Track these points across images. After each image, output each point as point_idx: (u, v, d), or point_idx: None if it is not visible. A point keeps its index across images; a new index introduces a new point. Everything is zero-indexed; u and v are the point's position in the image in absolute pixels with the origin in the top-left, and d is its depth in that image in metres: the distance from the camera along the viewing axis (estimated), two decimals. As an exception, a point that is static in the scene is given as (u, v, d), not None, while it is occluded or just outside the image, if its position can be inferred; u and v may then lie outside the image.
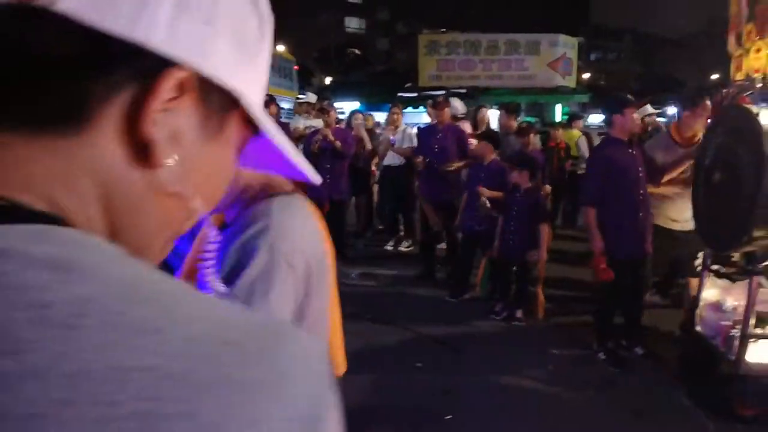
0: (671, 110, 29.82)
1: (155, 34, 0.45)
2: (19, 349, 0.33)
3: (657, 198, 5.12)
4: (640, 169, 4.74)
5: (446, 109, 7.33)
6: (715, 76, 51.17)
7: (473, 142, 7.32)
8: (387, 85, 20.44)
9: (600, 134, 8.83)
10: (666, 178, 4.81)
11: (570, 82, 19.94)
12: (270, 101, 8.15)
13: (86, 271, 0.38)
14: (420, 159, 7.17)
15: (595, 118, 25.12)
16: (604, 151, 4.92)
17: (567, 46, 19.73)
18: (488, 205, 6.02)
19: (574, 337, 5.40)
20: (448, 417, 3.97)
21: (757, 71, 3.94)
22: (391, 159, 8.55)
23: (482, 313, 5.98)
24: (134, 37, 0.43)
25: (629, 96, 4.82)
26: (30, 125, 0.42)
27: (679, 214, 5.02)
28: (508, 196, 5.95)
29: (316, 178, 0.64)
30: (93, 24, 0.42)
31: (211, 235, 0.60)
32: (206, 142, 0.51)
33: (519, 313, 5.80)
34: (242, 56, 0.52)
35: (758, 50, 3.95)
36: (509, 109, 7.95)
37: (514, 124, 7.75)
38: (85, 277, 0.38)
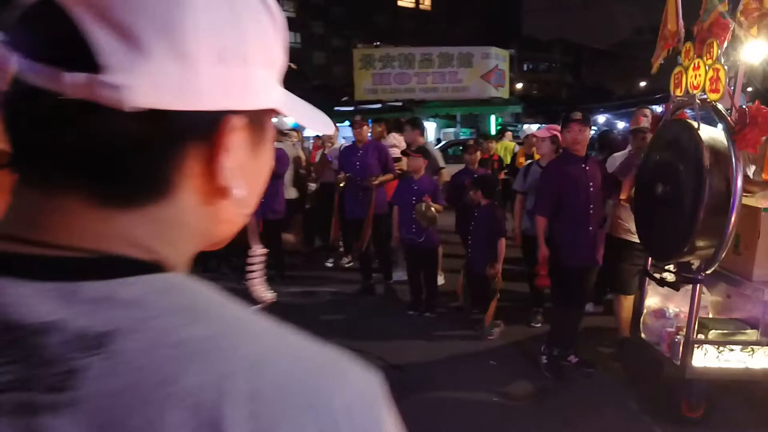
0: (601, 119, 30.83)
1: (209, 96, 0.51)
2: (168, 379, 0.44)
3: (618, 211, 5.36)
4: (591, 183, 4.80)
5: (364, 127, 7.34)
6: (642, 84, 53.20)
7: (397, 155, 7.42)
8: (323, 99, 20.45)
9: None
10: (624, 191, 4.93)
11: (503, 93, 20.33)
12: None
13: (201, 314, 0.49)
14: (341, 175, 7.20)
15: (530, 128, 25.77)
16: (556, 165, 5.06)
17: (499, 58, 20.13)
18: (435, 214, 6.10)
19: (518, 348, 5.49)
20: None
21: (695, 88, 4.12)
22: (329, 176, 8.52)
23: (424, 327, 6.00)
24: (196, 106, 0.50)
25: (576, 113, 4.90)
26: (127, 201, 0.51)
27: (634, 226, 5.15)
28: (468, 212, 6.04)
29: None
30: (167, 107, 0.49)
31: (257, 250, 0.77)
32: (257, 152, 0.59)
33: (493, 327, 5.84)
34: (271, 66, 0.59)
35: (696, 68, 4.12)
36: (414, 124, 7.98)
37: (422, 139, 7.78)
38: (203, 320, 0.48)
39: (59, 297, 0.45)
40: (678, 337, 4.18)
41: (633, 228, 5.01)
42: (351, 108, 18.05)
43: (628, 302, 5.19)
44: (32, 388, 0.42)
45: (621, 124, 22.45)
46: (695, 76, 4.15)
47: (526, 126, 21.78)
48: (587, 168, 4.85)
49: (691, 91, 4.19)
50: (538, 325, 6.04)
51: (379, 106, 18.13)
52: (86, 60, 0.45)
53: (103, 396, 0.42)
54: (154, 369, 0.44)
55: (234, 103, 0.53)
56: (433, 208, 6.11)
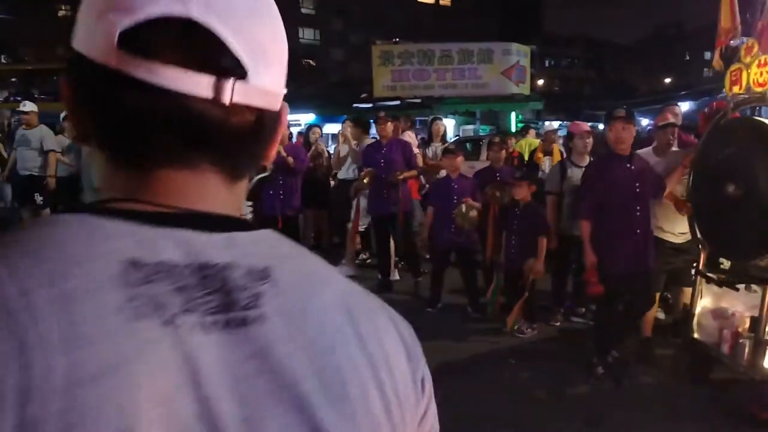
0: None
1: (281, 98, 0.67)
2: (314, 296, 0.65)
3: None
4: (637, 184, 4.61)
5: (388, 124, 7.30)
6: (667, 81, 52.63)
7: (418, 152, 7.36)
8: (342, 96, 20.38)
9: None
10: (667, 190, 4.78)
11: (524, 89, 20.12)
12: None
13: (304, 255, 0.68)
14: (368, 170, 7.14)
15: (551, 126, 25.49)
16: (599, 165, 4.87)
17: (520, 54, 19.92)
18: (477, 214, 6.01)
19: (539, 346, 5.40)
20: None
21: (761, 85, 4.01)
22: (345, 172, 8.48)
23: (444, 325, 5.92)
24: (278, 105, 0.67)
25: (620, 110, 4.74)
26: (241, 178, 0.67)
27: (670, 225, 5.02)
28: (508, 211, 5.87)
29: None
30: (271, 107, 0.66)
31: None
32: None
33: (526, 327, 5.71)
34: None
35: (763, 64, 4.01)
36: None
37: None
38: (308, 258, 0.68)
39: (227, 244, 0.60)
40: (743, 338, 4.08)
41: (665, 225, 4.87)
42: (369, 105, 17.97)
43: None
44: (233, 309, 0.57)
45: (645, 121, 22.17)
46: (761, 73, 4.01)
47: (547, 123, 21.59)
48: (632, 168, 4.63)
49: (755, 89, 4.07)
50: (557, 323, 5.93)
51: (397, 103, 18.02)
52: (234, 69, 0.60)
53: (281, 309, 0.60)
54: (304, 289, 0.63)
55: (279, 104, 0.67)
56: (474, 209, 6.02)
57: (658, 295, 5.14)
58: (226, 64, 0.59)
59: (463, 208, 6.00)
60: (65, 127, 9.26)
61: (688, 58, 66.64)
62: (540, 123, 22.55)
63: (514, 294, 5.74)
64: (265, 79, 0.62)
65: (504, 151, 7.15)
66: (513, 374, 4.89)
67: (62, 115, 9.31)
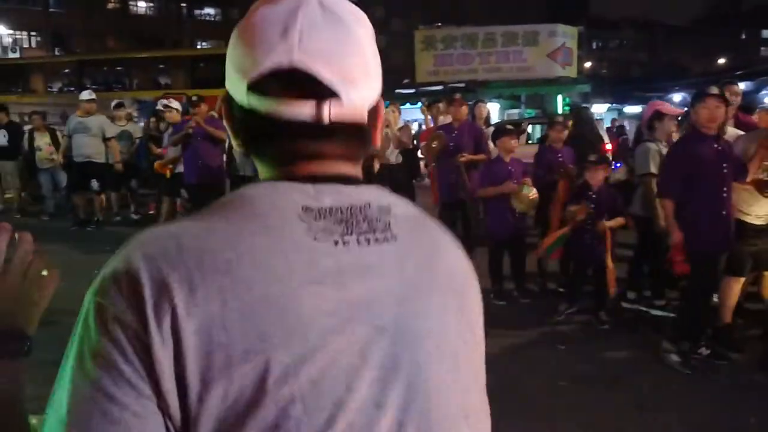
0: (677, 98, 29.70)
1: (367, 107, 0.87)
2: (424, 226, 0.91)
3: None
4: (724, 164, 4.42)
5: (463, 107, 7.16)
6: (721, 61, 50.99)
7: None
8: (384, 82, 20.17)
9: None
10: (751, 173, 4.53)
11: (570, 72, 19.82)
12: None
13: (405, 202, 0.90)
14: (438, 133, 7.03)
15: (599, 108, 24.94)
16: (686, 144, 4.65)
17: (566, 35, 19.60)
18: (536, 196, 5.83)
19: (588, 332, 5.28)
20: None
21: None
22: (388, 157, 8.48)
23: (493, 311, 5.73)
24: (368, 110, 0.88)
25: (714, 86, 4.54)
26: (351, 161, 0.87)
27: (750, 207, 4.85)
28: (579, 195, 5.46)
29: None
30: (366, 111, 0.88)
31: None
32: None
33: (603, 315, 5.40)
34: None
35: None
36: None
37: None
38: (409, 204, 0.90)
39: (361, 192, 0.84)
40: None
41: (744, 207, 4.70)
42: (412, 90, 17.96)
43: (738, 286, 4.81)
44: (375, 231, 0.81)
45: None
46: None
47: (595, 106, 21.19)
48: (720, 148, 4.44)
49: None
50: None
51: (440, 87, 17.92)
52: (329, 94, 0.78)
53: (407, 236, 0.84)
54: (415, 223, 0.89)
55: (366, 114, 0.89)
56: (534, 191, 5.79)
57: (743, 279, 4.94)
58: (322, 92, 0.79)
59: (523, 189, 5.78)
60: (118, 116, 9.50)
61: (744, 36, 64.53)
62: (588, 106, 22.15)
63: (580, 282, 5.60)
64: (355, 98, 0.82)
65: (566, 132, 6.90)
66: (561, 359, 4.79)
67: (113, 103, 9.54)
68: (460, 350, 0.89)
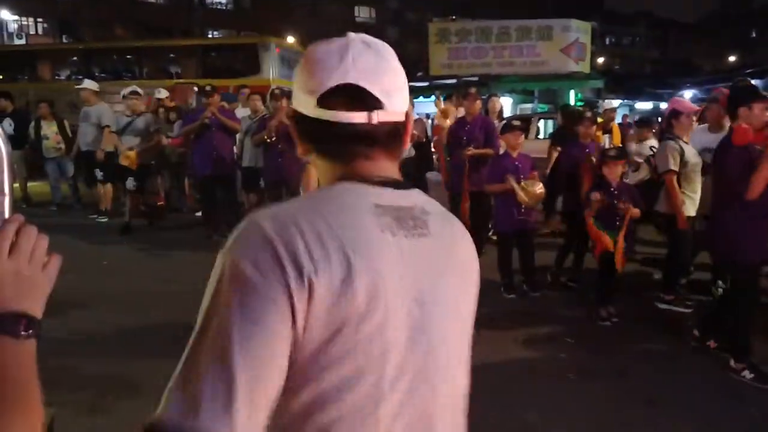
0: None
1: (404, 112, 1.15)
2: (450, 223, 1.19)
3: None
4: None
5: (477, 101, 7.27)
6: (732, 59, 50.66)
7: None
8: (397, 74, 20.09)
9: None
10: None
11: (584, 67, 19.57)
12: (282, 95, 7.91)
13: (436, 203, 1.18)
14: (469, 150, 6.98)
15: (610, 104, 24.72)
16: (732, 147, 4.31)
17: (580, 31, 19.35)
18: (543, 190, 5.87)
19: (597, 327, 5.24)
20: None
21: None
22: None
23: (501, 305, 5.78)
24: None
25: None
26: (392, 159, 1.13)
27: None
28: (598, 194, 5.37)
29: None
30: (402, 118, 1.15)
31: None
32: None
33: (611, 309, 5.40)
34: None
35: None
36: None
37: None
38: (436, 204, 1.17)
39: (406, 195, 1.09)
40: None
41: None
42: (426, 83, 17.75)
43: None
44: (417, 228, 1.05)
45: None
46: None
47: (606, 102, 20.97)
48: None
49: None
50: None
51: (454, 81, 17.73)
52: (377, 104, 1.07)
53: (437, 230, 1.09)
54: (443, 220, 1.14)
55: (404, 117, 1.16)
56: (540, 184, 5.85)
57: None
58: (372, 103, 1.07)
59: (531, 183, 5.80)
60: (128, 105, 9.18)
61: (754, 35, 64.07)
62: (600, 102, 21.91)
63: (608, 278, 5.45)
64: (394, 106, 1.10)
65: (595, 127, 6.85)
66: (569, 352, 4.78)
67: (123, 92, 9.29)
68: (465, 316, 1.17)
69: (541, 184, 5.90)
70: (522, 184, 5.81)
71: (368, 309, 0.94)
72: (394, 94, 1.10)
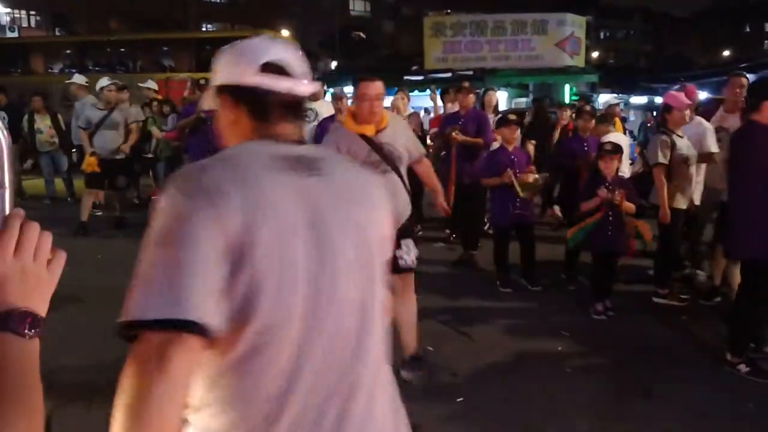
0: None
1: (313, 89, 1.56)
2: (350, 168, 1.47)
3: None
4: None
5: (470, 95, 7.33)
6: (726, 53, 50.72)
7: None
8: (393, 68, 20.12)
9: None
10: None
11: (578, 61, 19.60)
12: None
13: (338, 156, 1.57)
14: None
15: (605, 98, 24.70)
16: (754, 140, 4.27)
17: (575, 25, 19.38)
18: (541, 183, 5.89)
19: (592, 320, 5.25)
20: (460, 399, 3.87)
21: None
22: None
23: (497, 298, 5.82)
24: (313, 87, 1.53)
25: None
26: (299, 123, 1.47)
27: None
28: (595, 185, 5.39)
29: None
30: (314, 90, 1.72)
31: None
32: None
33: (608, 303, 5.40)
34: None
35: None
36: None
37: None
38: (333, 155, 1.51)
39: (306, 149, 1.40)
40: None
41: None
42: (421, 77, 17.74)
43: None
44: (313, 169, 1.30)
45: (703, 95, 21.37)
46: None
47: (608, 96, 20.96)
48: None
49: None
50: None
51: (449, 75, 17.72)
52: (300, 78, 1.41)
53: (331, 172, 1.33)
54: (342, 168, 1.40)
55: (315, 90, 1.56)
56: (538, 177, 5.87)
57: None
58: (296, 76, 1.39)
59: (529, 177, 5.82)
60: (102, 98, 8.89)
61: (748, 29, 64.18)
62: (594, 96, 21.93)
63: (610, 275, 5.48)
64: (307, 84, 1.43)
65: (593, 121, 6.90)
66: (566, 345, 4.79)
67: (98, 84, 9.00)
68: (372, 238, 1.37)
69: (537, 176, 5.92)
70: (519, 177, 5.82)
71: (267, 234, 1.16)
72: (306, 76, 1.43)
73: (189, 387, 1.10)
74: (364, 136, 3.86)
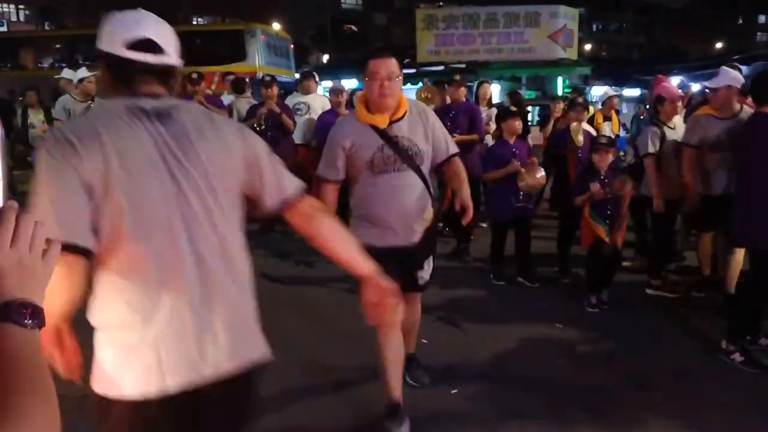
0: (675, 81, 29.43)
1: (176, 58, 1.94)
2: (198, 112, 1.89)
3: None
4: None
5: (461, 89, 7.34)
6: (719, 45, 50.74)
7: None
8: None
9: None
10: None
11: (571, 54, 19.57)
12: (271, 82, 7.89)
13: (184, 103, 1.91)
14: None
15: (598, 91, 24.71)
16: (765, 131, 4.28)
17: (568, 17, 19.35)
18: (544, 178, 5.87)
19: (586, 311, 5.26)
20: (454, 391, 3.86)
21: None
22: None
23: (492, 291, 5.83)
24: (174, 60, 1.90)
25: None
26: (167, 87, 1.84)
27: None
28: (588, 179, 5.30)
29: None
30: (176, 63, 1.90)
31: None
32: None
33: (604, 296, 5.38)
34: None
35: None
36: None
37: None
38: (188, 106, 1.92)
39: (162, 102, 1.74)
40: None
41: None
42: (413, 70, 17.68)
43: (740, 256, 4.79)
44: (164, 116, 1.70)
45: (696, 87, 21.42)
46: None
47: (604, 89, 20.95)
48: None
49: None
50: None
51: (441, 68, 17.70)
52: (161, 50, 1.74)
53: (181, 119, 1.73)
54: (192, 115, 1.78)
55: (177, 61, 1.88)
56: (541, 171, 5.84)
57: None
58: (158, 50, 1.71)
59: (532, 169, 5.76)
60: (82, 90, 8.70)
61: (741, 21, 64.25)
62: (587, 88, 21.93)
63: (598, 265, 5.40)
64: (171, 54, 1.75)
65: (586, 113, 6.90)
66: (559, 337, 4.81)
67: (78, 76, 8.83)
68: (225, 165, 1.76)
69: (542, 170, 5.86)
70: (523, 169, 5.74)
71: (120, 169, 1.56)
72: (170, 47, 1.76)
73: (67, 286, 1.47)
74: (375, 128, 3.25)
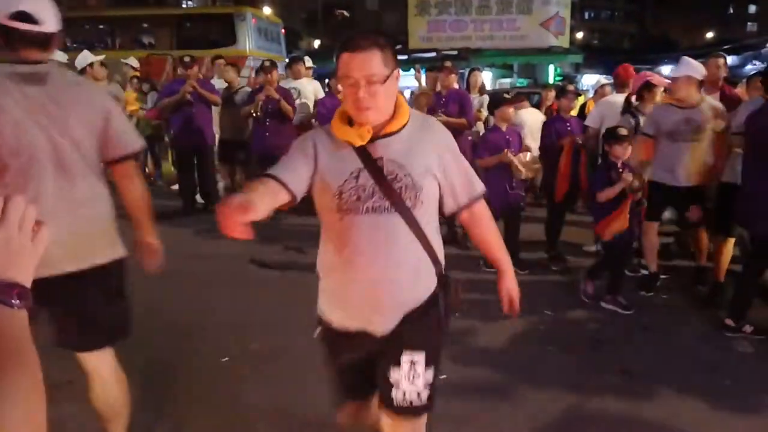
0: (665, 70, 29.50)
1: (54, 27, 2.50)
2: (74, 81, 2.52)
3: None
4: None
5: (452, 75, 7.32)
6: (709, 35, 50.87)
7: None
8: (377, 47, 19.90)
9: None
10: None
11: (563, 41, 19.52)
12: (272, 67, 7.80)
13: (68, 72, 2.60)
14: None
15: (589, 79, 24.74)
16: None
17: (560, 4, 19.29)
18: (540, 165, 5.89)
19: (575, 297, 5.29)
20: (443, 376, 3.81)
21: None
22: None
23: (476, 274, 5.79)
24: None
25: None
26: (46, 51, 2.42)
27: None
28: (608, 175, 5.08)
29: None
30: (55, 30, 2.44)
31: None
32: None
33: (591, 288, 5.31)
34: None
35: None
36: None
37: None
38: (64, 72, 2.51)
39: (38, 66, 2.31)
40: None
41: None
42: (405, 57, 17.59)
43: (730, 245, 4.92)
44: (38, 81, 2.29)
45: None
46: None
47: (597, 78, 20.98)
48: None
49: None
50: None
51: (433, 54, 17.62)
52: (39, 22, 2.24)
53: (54, 83, 2.33)
54: (66, 81, 2.40)
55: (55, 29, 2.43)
56: (536, 158, 5.83)
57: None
58: (34, 21, 2.20)
59: (527, 156, 5.73)
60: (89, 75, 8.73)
61: (731, 11, 64.38)
62: (578, 77, 21.94)
63: (621, 265, 5.34)
64: (48, 25, 2.25)
65: (576, 101, 6.94)
66: (548, 324, 4.83)
67: (82, 62, 8.81)
68: (89, 125, 2.39)
69: (536, 158, 5.86)
70: (518, 157, 5.72)
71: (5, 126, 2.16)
72: (47, 18, 2.22)
73: None
74: (355, 146, 2.03)
